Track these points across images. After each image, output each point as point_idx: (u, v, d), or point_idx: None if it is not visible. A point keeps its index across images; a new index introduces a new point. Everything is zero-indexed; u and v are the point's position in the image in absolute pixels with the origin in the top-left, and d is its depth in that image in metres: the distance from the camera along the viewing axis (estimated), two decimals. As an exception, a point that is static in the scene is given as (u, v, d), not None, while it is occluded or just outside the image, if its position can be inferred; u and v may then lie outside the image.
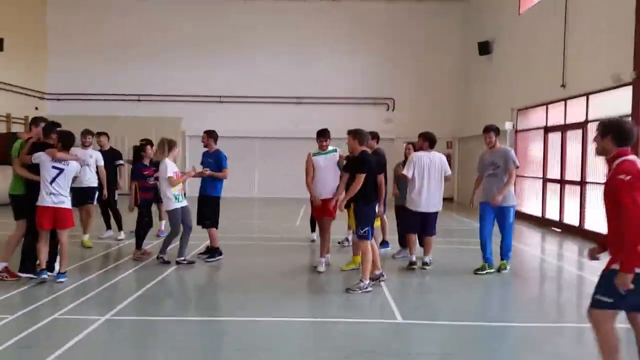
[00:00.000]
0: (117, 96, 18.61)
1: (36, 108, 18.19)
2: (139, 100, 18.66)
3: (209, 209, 7.50)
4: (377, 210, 6.25)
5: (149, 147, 8.03)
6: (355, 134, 6.09)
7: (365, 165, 5.91)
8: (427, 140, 7.09)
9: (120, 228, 9.08)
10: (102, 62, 18.46)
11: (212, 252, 7.54)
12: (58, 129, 6.35)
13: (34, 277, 6.08)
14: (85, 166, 8.19)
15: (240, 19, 18.49)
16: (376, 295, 5.83)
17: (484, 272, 6.75)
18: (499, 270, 6.85)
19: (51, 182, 6.00)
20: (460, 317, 5.23)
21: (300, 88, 18.49)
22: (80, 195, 8.08)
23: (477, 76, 17.29)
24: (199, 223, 7.56)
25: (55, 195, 6.02)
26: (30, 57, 17.90)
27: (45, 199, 5.99)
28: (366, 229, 5.90)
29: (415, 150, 7.29)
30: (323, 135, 7.12)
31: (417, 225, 7.09)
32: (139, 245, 7.57)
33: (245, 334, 4.74)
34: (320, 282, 6.61)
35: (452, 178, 7.22)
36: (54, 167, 6.02)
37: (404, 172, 6.97)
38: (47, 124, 6.43)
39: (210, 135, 7.56)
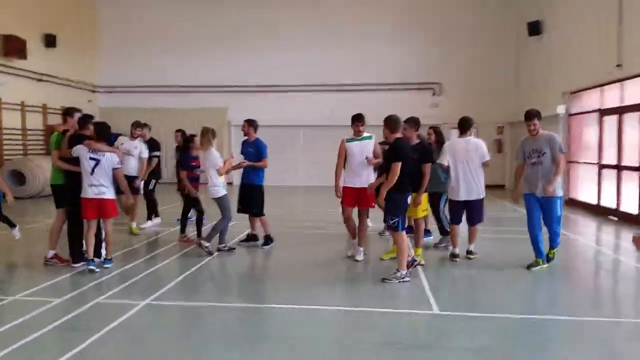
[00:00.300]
0: (165, 88, 19.04)
1: (89, 101, 18.93)
2: (186, 91, 19.01)
3: (254, 198, 7.54)
4: (408, 201, 5.99)
5: (197, 138, 8.08)
6: (387, 121, 5.91)
7: (399, 152, 5.74)
8: (458, 126, 6.94)
9: (149, 217, 9.37)
10: (151, 55, 18.90)
11: (266, 239, 7.63)
12: (94, 120, 6.53)
13: (84, 262, 6.31)
14: (129, 156, 8.46)
15: (282, 8, 18.46)
16: (414, 286, 5.68)
17: (537, 267, 6.33)
18: (548, 260, 6.45)
19: (91, 173, 6.14)
20: (502, 309, 5.00)
21: (343, 75, 18.28)
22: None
23: (527, 58, 16.58)
24: (244, 211, 7.63)
25: (96, 186, 6.15)
26: (81, 52, 18.55)
27: (87, 191, 6.16)
28: (396, 219, 5.73)
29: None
30: (358, 119, 6.83)
31: (460, 216, 6.85)
32: (183, 230, 7.95)
33: (279, 321, 4.76)
34: (358, 271, 6.54)
35: (490, 164, 6.83)
36: (91, 159, 6.15)
37: (440, 160, 6.75)
38: (82, 115, 6.58)
39: (251, 124, 7.56)
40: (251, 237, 7.81)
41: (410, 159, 5.86)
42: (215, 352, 3.99)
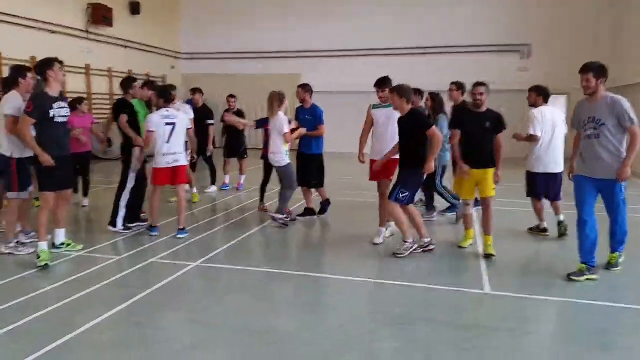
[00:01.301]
0: (243, 54, 19.30)
1: (172, 67, 19.64)
2: (262, 57, 19.15)
3: (313, 168, 7.20)
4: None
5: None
6: (400, 90, 5.47)
7: (427, 119, 5.50)
8: (542, 95, 6.29)
9: (213, 182, 9.47)
10: (230, 22, 19.16)
11: (323, 204, 7.47)
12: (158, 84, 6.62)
13: (142, 224, 6.57)
14: None
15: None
16: (470, 263, 5.37)
17: (582, 277, 4.76)
18: (608, 266, 5.03)
19: (167, 141, 6.05)
20: (565, 292, 4.57)
21: (422, 37, 17.44)
22: None
23: (628, 16, 14.86)
24: (302, 184, 7.27)
25: (171, 154, 6.08)
26: (164, 19, 19.15)
27: (161, 161, 6.08)
28: (407, 194, 5.42)
29: (530, 105, 6.45)
30: (383, 84, 6.14)
31: (542, 190, 6.35)
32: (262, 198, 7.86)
33: (313, 289, 4.72)
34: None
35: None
36: (167, 124, 6.04)
37: (532, 132, 6.12)
38: (126, 78, 6.77)
39: (306, 90, 7.19)
40: (308, 211, 7.46)
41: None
42: (250, 313, 4.00)
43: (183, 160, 6.24)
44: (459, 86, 7.34)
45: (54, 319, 3.88)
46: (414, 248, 5.51)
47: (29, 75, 5.43)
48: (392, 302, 4.38)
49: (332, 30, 18.27)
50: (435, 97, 7.38)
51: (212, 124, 9.16)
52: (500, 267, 5.27)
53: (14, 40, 12.51)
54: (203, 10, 19.61)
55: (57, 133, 5.15)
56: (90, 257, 5.39)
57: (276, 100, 6.78)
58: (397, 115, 5.82)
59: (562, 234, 6.33)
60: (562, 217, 6.41)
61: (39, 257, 5.00)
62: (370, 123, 6.32)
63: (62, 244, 5.52)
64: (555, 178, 6.29)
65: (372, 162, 6.18)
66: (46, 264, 4.96)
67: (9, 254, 5.39)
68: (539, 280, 4.88)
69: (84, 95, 14.75)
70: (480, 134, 5.48)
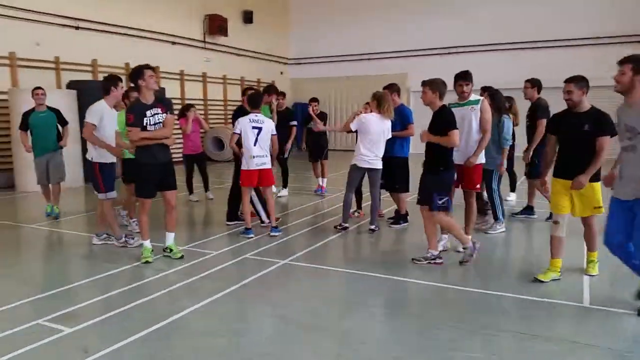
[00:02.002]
0: (348, 57, 19.57)
1: (281, 73, 20.45)
2: (367, 59, 19.26)
3: (399, 172, 6.85)
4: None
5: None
6: (431, 84, 5.13)
7: (454, 119, 5.09)
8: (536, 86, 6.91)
9: (284, 185, 9.47)
10: (335, 27, 19.59)
11: (397, 217, 7.06)
12: (250, 91, 6.83)
13: (239, 222, 6.96)
14: None
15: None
16: (570, 276, 4.93)
17: None
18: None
19: (254, 144, 6.31)
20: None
21: (532, 31, 16.42)
22: None
23: None
24: (385, 187, 6.99)
25: (259, 157, 6.32)
26: (274, 27, 20.05)
27: (250, 163, 6.31)
28: (445, 198, 5.13)
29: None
30: (462, 78, 5.66)
31: None
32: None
33: (395, 292, 4.62)
34: (509, 259, 5.93)
35: None
36: (253, 128, 6.30)
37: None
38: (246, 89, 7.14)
39: (392, 88, 6.88)
40: (399, 216, 7.11)
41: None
42: (331, 312, 4.06)
43: (269, 163, 6.45)
44: (533, 83, 6.98)
45: (154, 306, 4.26)
46: (436, 260, 5.26)
47: (120, 84, 5.88)
48: (476, 309, 4.17)
49: (436, 28, 17.85)
50: (494, 95, 6.55)
51: (295, 125, 9.27)
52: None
53: (140, 52, 13.84)
54: (309, 17, 20.24)
55: (150, 142, 5.21)
56: (192, 251, 5.81)
57: (382, 101, 6.42)
58: (474, 115, 5.56)
59: None
60: None
61: (142, 254, 5.42)
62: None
63: (166, 248, 5.55)
64: None
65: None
66: (147, 261, 5.31)
67: (122, 246, 6.00)
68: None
69: (201, 102, 15.94)
70: (577, 138, 4.54)
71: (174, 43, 15.14)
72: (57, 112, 7.71)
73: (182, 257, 5.49)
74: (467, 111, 5.58)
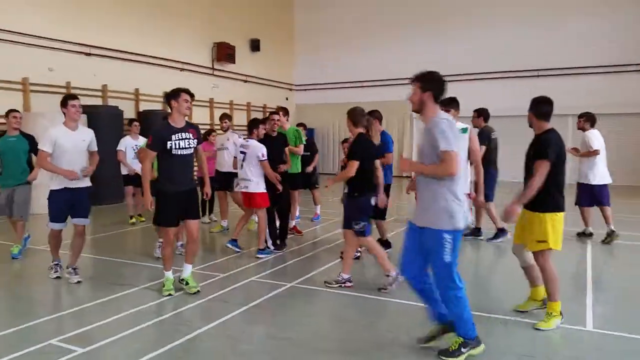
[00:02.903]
0: (351, 83, 19.88)
1: (286, 98, 20.76)
2: (370, 86, 19.55)
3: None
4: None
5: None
6: (349, 114, 5.37)
7: (358, 150, 5.24)
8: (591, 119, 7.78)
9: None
10: (339, 55, 19.94)
11: (382, 243, 7.00)
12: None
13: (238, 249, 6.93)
14: (223, 150, 8.45)
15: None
16: (575, 299, 4.99)
17: None
18: None
19: (241, 167, 6.66)
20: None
21: (541, 58, 16.67)
22: (224, 179, 8.36)
23: None
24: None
25: (242, 180, 6.64)
26: (280, 54, 20.45)
27: (239, 184, 6.77)
28: (363, 223, 5.21)
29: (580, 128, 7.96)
30: (445, 105, 5.65)
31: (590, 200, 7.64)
32: None
33: (400, 316, 4.68)
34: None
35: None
36: (241, 152, 6.70)
37: (595, 147, 7.52)
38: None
39: (374, 115, 6.73)
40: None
41: (369, 156, 5.38)
42: (338, 335, 4.12)
43: (252, 187, 6.57)
44: (479, 112, 7.72)
45: (165, 326, 4.33)
46: (346, 284, 5.36)
47: (70, 102, 5.41)
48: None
49: (439, 55, 18.12)
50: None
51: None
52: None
53: (149, 78, 14.16)
54: (314, 45, 20.67)
55: (173, 167, 4.97)
56: (201, 274, 5.88)
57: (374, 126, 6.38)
58: (466, 141, 5.60)
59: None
60: (611, 227, 7.56)
61: (163, 286, 5.17)
62: None
63: (182, 279, 5.25)
64: (605, 188, 7.73)
65: None
66: (169, 294, 5.06)
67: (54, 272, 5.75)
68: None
69: (208, 126, 16.15)
70: (526, 163, 4.34)
71: (182, 69, 15.46)
72: (30, 138, 6.80)
73: (197, 292, 5.13)
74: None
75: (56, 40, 11.82)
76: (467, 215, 3.69)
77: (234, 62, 17.25)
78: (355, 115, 5.35)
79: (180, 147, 4.94)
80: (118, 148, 8.87)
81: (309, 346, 3.95)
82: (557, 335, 4.14)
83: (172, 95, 4.99)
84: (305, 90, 21.02)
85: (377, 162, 5.68)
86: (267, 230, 6.99)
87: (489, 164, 7.30)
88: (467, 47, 17.63)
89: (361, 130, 5.40)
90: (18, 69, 11.06)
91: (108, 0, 13.13)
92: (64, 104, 5.38)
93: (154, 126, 5.27)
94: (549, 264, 4.24)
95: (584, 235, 7.89)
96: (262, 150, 6.59)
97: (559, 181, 4.23)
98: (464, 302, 3.59)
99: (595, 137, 7.66)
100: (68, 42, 12.11)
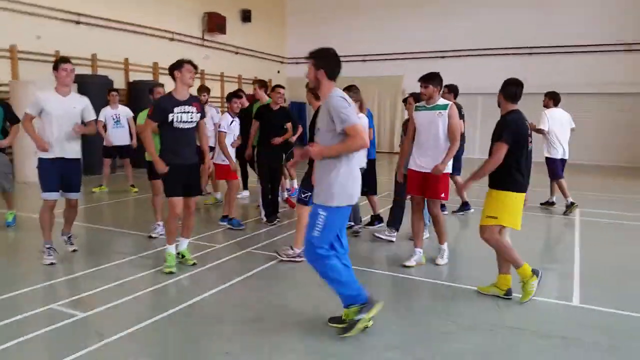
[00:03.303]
0: (345, 57, 19.64)
1: (278, 71, 20.59)
2: (366, 60, 19.44)
3: (365, 175, 6.60)
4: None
5: None
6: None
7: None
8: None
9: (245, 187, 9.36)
10: (333, 28, 19.64)
11: (372, 218, 7.23)
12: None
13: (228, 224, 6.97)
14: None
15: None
16: (563, 276, 5.15)
17: None
18: None
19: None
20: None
21: (533, 37, 16.70)
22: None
23: None
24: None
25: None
26: (272, 26, 20.20)
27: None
28: (309, 193, 5.09)
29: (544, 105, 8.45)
30: (421, 79, 5.34)
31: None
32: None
33: (387, 287, 4.81)
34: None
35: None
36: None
37: (540, 127, 8.24)
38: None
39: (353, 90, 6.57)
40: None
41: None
42: (329, 304, 4.23)
43: (218, 160, 6.87)
44: (450, 89, 7.77)
45: (165, 294, 4.42)
46: (296, 259, 5.33)
47: (62, 66, 5.20)
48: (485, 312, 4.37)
49: (433, 31, 18.09)
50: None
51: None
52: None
53: (139, 48, 13.95)
54: (306, 17, 20.38)
55: (175, 140, 4.91)
56: (198, 245, 5.96)
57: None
58: (441, 120, 5.15)
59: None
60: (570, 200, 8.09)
61: (165, 261, 5.03)
62: (412, 128, 5.44)
63: (179, 253, 5.25)
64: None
65: (409, 172, 5.42)
66: (170, 272, 4.91)
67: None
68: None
69: (198, 98, 15.94)
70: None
71: (172, 39, 15.24)
72: (5, 106, 6.56)
73: (194, 264, 5.18)
74: (433, 116, 5.19)
75: (45, 7, 11.56)
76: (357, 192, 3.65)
77: (224, 33, 17.02)
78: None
79: (182, 120, 4.89)
80: (98, 118, 8.53)
81: (301, 314, 4.06)
82: (545, 309, 4.29)
83: (175, 67, 4.93)
84: (298, 63, 20.83)
85: None
86: (262, 203, 7.11)
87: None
88: (463, 23, 17.56)
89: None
90: (5, 37, 10.84)
91: (97, -33, 12.83)
92: (55, 67, 5.19)
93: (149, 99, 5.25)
94: (495, 239, 4.29)
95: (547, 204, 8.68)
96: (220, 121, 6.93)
97: (520, 162, 4.25)
98: (337, 267, 3.56)
99: (546, 118, 8.32)
100: (57, 9, 11.85)
